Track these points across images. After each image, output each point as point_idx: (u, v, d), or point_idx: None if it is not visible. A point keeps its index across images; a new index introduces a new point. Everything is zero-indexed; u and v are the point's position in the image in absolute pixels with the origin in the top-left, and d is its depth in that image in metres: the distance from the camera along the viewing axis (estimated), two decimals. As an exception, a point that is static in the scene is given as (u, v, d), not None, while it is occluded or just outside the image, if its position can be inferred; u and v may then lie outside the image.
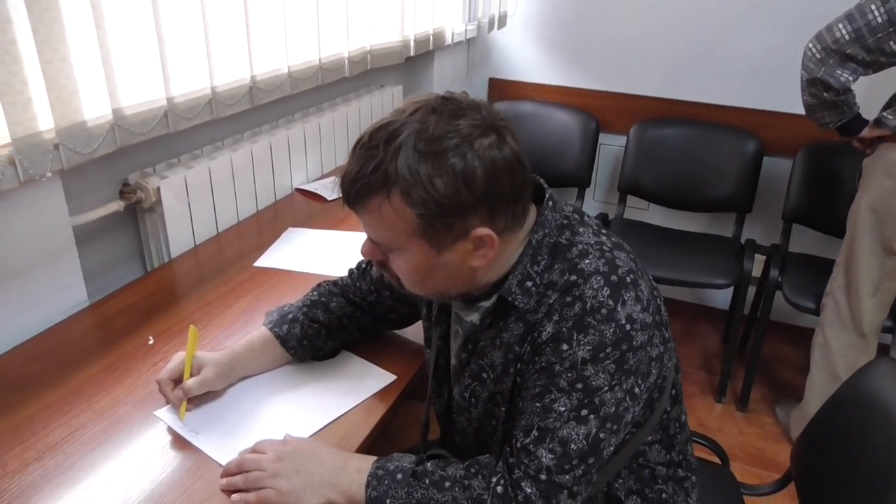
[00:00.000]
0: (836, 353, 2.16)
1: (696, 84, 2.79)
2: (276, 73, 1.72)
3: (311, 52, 1.84)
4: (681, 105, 2.83)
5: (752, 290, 2.74)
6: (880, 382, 1.23)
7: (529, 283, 0.92)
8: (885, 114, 1.98)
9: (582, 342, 0.87)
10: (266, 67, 1.69)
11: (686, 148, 2.77)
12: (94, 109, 1.22)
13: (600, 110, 2.90)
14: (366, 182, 0.85)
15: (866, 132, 2.05)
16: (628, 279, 0.90)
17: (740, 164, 2.69)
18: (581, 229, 0.95)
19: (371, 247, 0.95)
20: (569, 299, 0.89)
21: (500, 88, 3.07)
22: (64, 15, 1.11)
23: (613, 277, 0.89)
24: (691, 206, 2.82)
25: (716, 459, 1.55)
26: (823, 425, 1.34)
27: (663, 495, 1.08)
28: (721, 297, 3.06)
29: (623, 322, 0.87)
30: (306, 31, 1.83)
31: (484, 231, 0.87)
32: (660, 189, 2.81)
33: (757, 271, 2.65)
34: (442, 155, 0.83)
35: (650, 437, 1.04)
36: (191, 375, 1.12)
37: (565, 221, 0.95)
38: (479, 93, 3.12)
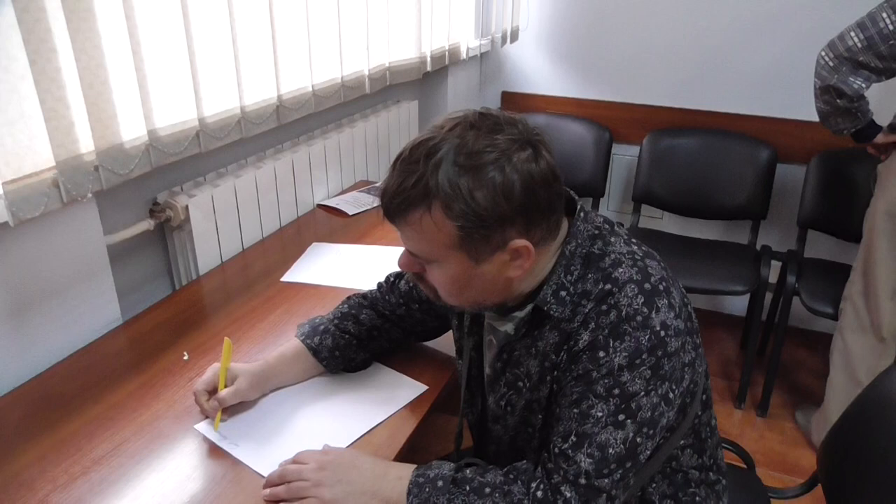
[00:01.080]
0: (856, 357, 2.17)
1: (708, 93, 2.82)
2: (302, 91, 1.77)
3: (334, 70, 1.89)
4: (693, 114, 2.85)
5: (767, 297, 2.75)
6: (905, 385, 1.24)
7: (564, 293, 0.94)
8: (898, 119, 2.01)
9: (618, 349, 0.89)
10: (292, 86, 1.74)
11: (699, 156, 2.79)
12: (131, 131, 1.26)
13: (613, 121, 2.93)
14: (407, 196, 0.88)
15: (880, 138, 2.07)
16: (661, 287, 0.92)
17: (754, 172, 2.71)
18: (612, 239, 0.97)
19: (409, 259, 0.97)
20: (604, 307, 0.91)
21: (513, 101, 3.10)
22: (104, 41, 1.15)
23: (647, 285, 0.91)
24: (706, 213, 2.84)
25: (741, 464, 1.56)
26: (849, 428, 1.35)
27: (696, 499, 1.10)
28: (737, 304, 3.07)
29: (658, 329, 0.89)
30: (329, 49, 1.88)
31: (521, 242, 0.90)
32: (674, 197, 2.83)
33: (773, 277, 2.66)
34: (481, 169, 0.86)
35: (682, 442, 1.06)
36: (225, 386, 1.15)
37: (596, 232, 0.98)
38: (492, 106, 3.15)
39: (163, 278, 1.70)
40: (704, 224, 2.94)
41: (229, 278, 1.68)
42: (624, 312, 0.90)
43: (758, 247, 2.70)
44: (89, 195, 1.19)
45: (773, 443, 2.40)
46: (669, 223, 2.99)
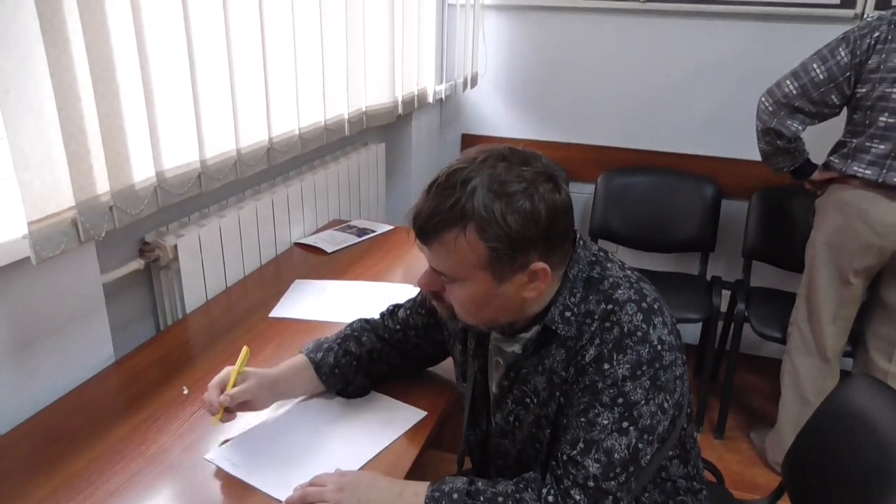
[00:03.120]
0: (804, 378, 2.32)
1: (656, 134, 3.01)
2: (290, 134, 1.84)
3: (318, 115, 1.97)
4: (644, 154, 3.04)
5: (719, 325, 2.91)
6: (860, 395, 1.36)
7: (568, 314, 1.04)
8: (831, 158, 2.19)
9: (622, 361, 0.99)
10: (282, 129, 1.82)
11: (651, 194, 2.96)
12: (141, 173, 1.31)
13: (568, 161, 3.08)
14: (444, 217, 0.96)
15: (816, 175, 2.26)
16: (655, 306, 1.03)
17: (701, 207, 2.89)
18: (609, 265, 1.08)
19: (431, 278, 1.05)
20: (608, 325, 1.01)
21: (473, 144, 3.22)
22: (121, 88, 1.21)
23: (644, 304, 1.02)
24: (658, 247, 3.00)
25: (711, 479, 1.66)
26: (810, 441, 1.46)
27: (684, 505, 1.19)
28: (689, 333, 3.22)
29: (655, 343, 1.00)
30: (313, 95, 1.97)
31: (541, 265, 0.99)
32: (628, 232, 2.99)
33: (723, 306, 2.82)
34: (513, 196, 0.95)
35: (671, 453, 1.15)
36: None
37: (594, 258, 1.08)
38: (453, 148, 3.28)
39: (148, 317, 1.71)
40: (657, 257, 3.10)
41: (216, 316, 1.72)
42: (626, 328, 1.00)
43: (708, 277, 2.87)
44: (103, 234, 1.23)
45: (731, 463, 2.52)
46: (624, 257, 3.12)
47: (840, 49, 2.03)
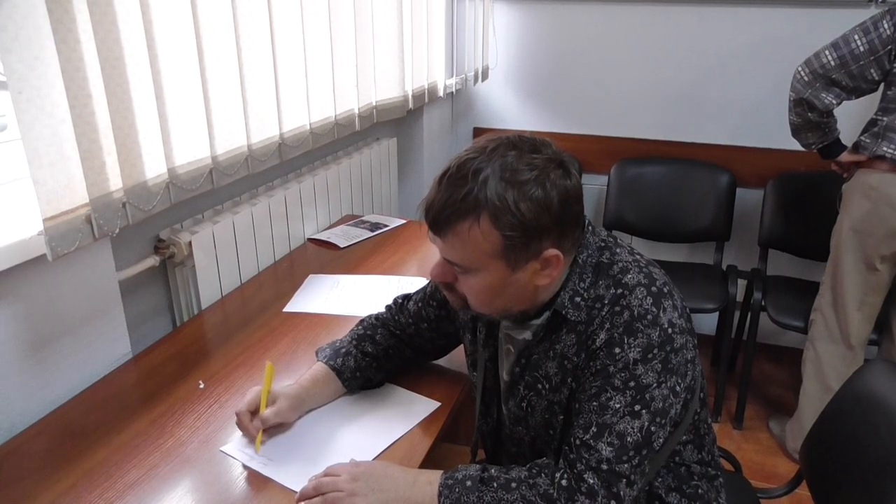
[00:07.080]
0: (827, 366, 2.29)
1: (670, 124, 2.99)
2: (301, 130, 1.86)
3: (328, 109, 1.98)
4: (657, 144, 3.02)
5: (735, 315, 2.88)
6: (877, 381, 1.35)
7: (578, 299, 1.04)
8: (862, 138, 2.15)
9: (632, 345, 0.99)
10: (292, 125, 1.83)
11: (664, 184, 2.94)
12: (153, 169, 1.32)
13: (581, 152, 3.07)
14: (457, 208, 0.96)
15: (845, 156, 2.23)
16: (665, 289, 1.03)
17: (716, 196, 2.87)
18: (618, 250, 1.08)
19: (444, 268, 1.05)
20: (618, 309, 1.01)
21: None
22: (132, 86, 1.23)
23: (653, 288, 1.02)
24: (673, 237, 2.99)
25: (728, 467, 1.65)
26: (828, 426, 1.45)
27: (699, 490, 1.18)
28: (706, 323, 3.20)
29: (666, 326, 0.99)
30: (323, 90, 1.98)
31: (553, 252, 0.99)
32: (642, 223, 2.97)
33: (739, 296, 2.80)
34: (524, 184, 0.95)
35: (684, 438, 1.15)
36: (266, 407, 1.19)
37: (603, 244, 1.08)
38: (464, 142, 3.28)
39: (164, 313, 1.73)
40: (672, 247, 3.08)
41: (231, 311, 1.73)
42: (636, 312, 0.99)
43: (723, 266, 2.85)
44: (117, 230, 1.24)
45: (750, 453, 2.51)
46: (639, 247, 3.07)
47: (884, 21, 1.99)
